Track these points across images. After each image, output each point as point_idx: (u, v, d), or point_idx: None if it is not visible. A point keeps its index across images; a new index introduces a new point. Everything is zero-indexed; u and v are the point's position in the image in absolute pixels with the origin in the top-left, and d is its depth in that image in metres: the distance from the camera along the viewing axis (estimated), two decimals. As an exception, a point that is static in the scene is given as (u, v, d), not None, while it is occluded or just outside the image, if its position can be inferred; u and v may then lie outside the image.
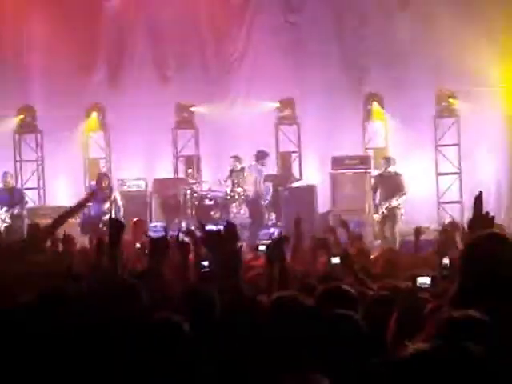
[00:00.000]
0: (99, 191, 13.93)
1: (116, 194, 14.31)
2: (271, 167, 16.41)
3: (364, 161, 15.52)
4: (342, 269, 5.95)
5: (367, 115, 16.46)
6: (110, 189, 14.20)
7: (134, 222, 11.24)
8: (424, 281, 4.76)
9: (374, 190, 14.64)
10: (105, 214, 13.85)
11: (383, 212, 14.13)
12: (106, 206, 13.96)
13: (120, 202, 14.27)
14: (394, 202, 14.09)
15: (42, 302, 4.12)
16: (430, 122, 16.23)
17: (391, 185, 14.21)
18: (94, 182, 15.15)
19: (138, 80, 16.85)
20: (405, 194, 14.20)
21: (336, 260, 6.05)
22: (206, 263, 5.40)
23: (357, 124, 16.47)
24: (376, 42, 16.33)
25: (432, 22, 15.85)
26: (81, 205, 8.13)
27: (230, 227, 5.36)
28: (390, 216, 14.10)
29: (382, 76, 16.18)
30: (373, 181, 14.89)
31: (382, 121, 16.50)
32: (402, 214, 14.21)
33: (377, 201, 14.45)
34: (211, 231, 5.59)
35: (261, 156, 15.33)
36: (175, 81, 16.85)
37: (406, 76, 16.05)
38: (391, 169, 14.43)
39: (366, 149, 16.41)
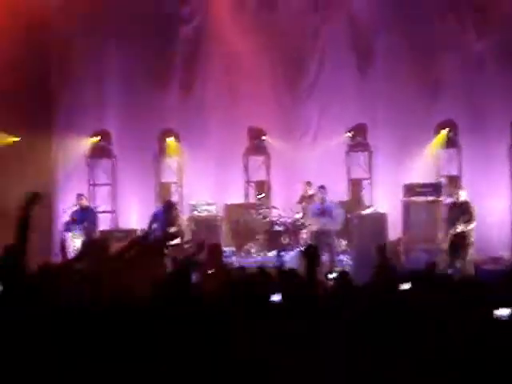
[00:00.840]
0: (165, 216, 14.08)
1: (182, 221, 14.40)
2: (342, 194, 16.34)
3: (436, 188, 15.32)
4: None
5: (438, 142, 16.28)
6: (176, 216, 14.27)
7: (208, 246, 11.27)
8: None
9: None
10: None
11: (450, 239, 13.77)
12: (172, 230, 14.04)
13: (185, 227, 14.30)
14: (459, 229, 13.71)
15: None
16: (504, 149, 15.96)
17: (458, 213, 13.88)
18: (160, 207, 15.28)
19: (210, 105, 17.00)
20: (470, 221, 13.82)
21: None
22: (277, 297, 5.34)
23: (429, 151, 16.31)
24: (449, 71, 16.15)
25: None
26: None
27: (312, 249, 5.39)
28: (459, 244, 13.75)
29: (457, 103, 15.97)
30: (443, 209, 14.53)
31: (453, 148, 16.28)
32: (471, 243, 13.87)
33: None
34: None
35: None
36: (248, 107, 16.92)
37: (481, 104, 15.83)
38: (460, 197, 14.08)
39: (439, 176, 16.20)
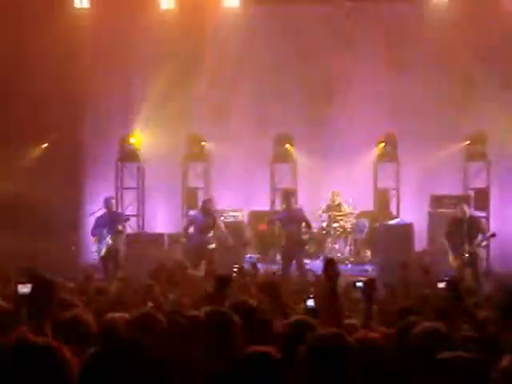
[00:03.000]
0: (202, 218, 14.07)
1: (220, 223, 14.32)
2: (368, 204, 16.32)
3: (463, 200, 15.23)
4: None
5: (468, 154, 16.22)
6: (214, 218, 14.27)
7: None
8: None
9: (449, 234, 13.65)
10: (210, 243, 13.97)
11: (466, 257, 13.49)
12: (210, 234, 14.04)
13: (224, 231, 14.23)
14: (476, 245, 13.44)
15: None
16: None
17: (470, 228, 13.61)
18: (193, 211, 15.34)
19: (239, 111, 17.04)
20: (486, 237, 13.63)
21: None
22: (311, 302, 5.40)
23: (457, 163, 16.25)
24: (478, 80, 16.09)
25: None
26: None
27: (331, 262, 5.39)
28: (473, 261, 13.50)
29: (485, 114, 15.89)
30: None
31: (483, 161, 16.20)
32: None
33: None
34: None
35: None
36: (276, 114, 16.93)
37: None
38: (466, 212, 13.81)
39: (467, 189, 16.14)
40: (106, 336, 4.59)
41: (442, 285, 5.64)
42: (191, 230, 14.19)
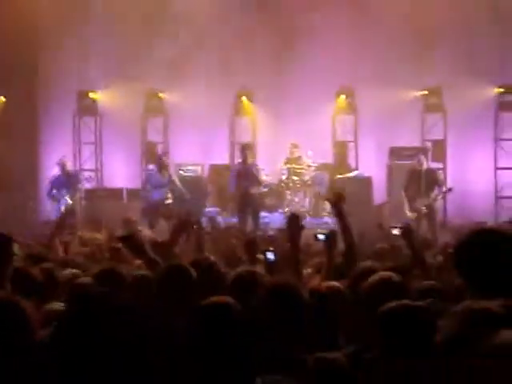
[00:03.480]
0: (157, 175, 14.06)
1: (175, 178, 14.32)
2: (327, 156, 16.37)
3: (422, 152, 15.34)
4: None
5: (425, 107, 16.33)
6: (169, 173, 14.24)
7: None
8: None
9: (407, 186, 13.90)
10: (166, 198, 13.95)
11: (423, 209, 13.63)
12: (166, 189, 14.03)
13: (180, 186, 14.22)
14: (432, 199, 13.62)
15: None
16: (491, 115, 16.05)
17: (427, 181, 13.82)
18: (152, 166, 15.30)
19: (199, 66, 16.90)
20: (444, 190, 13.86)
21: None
22: (271, 255, 5.42)
23: (416, 115, 16.35)
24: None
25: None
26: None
27: (295, 218, 5.39)
28: (430, 213, 13.69)
29: (444, 68, 15.98)
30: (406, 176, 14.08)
31: (440, 113, 16.32)
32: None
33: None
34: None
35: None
36: (237, 68, 16.81)
37: (468, 70, 15.84)
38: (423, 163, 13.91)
39: (425, 140, 16.27)
40: (74, 293, 4.58)
41: (395, 231, 5.62)
42: (148, 187, 14.18)
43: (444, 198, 14.69)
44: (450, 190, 13.90)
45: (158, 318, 3.98)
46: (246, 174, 14.07)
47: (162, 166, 14.18)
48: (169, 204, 13.94)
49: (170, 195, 14.00)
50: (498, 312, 2.90)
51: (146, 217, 13.65)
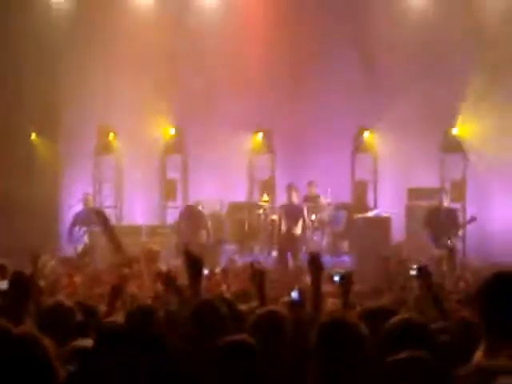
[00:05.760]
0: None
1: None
2: (346, 195, 16.38)
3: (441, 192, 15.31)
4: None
5: (445, 147, 16.29)
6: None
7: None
8: None
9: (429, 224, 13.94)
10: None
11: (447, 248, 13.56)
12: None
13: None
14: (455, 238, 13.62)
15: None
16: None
17: (447, 220, 13.76)
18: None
19: (216, 103, 16.98)
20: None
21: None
22: (296, 294, 5.42)
23: (434, 156, 16.32)
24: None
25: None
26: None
27: (316, 258, 5.40)
28: (451, 253, 13.60)
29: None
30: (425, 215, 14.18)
31: (459, 152, 16.29)
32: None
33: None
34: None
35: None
36: (256, 106, 16.86)
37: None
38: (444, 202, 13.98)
39: (444, 181, 16.22)
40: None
41: (413, 272, 5.58)
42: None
43: (464, 234, 14.66)
44: (474, 219, 13.88)
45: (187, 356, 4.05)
46: (290, 213, 14.43)
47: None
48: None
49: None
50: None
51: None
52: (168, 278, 5.51)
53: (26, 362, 3.09)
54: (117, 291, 5.65)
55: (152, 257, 11.09)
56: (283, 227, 14.78)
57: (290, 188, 14.92)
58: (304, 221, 14.76)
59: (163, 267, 9.33)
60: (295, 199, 14.89)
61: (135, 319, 4.72)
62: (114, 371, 2.75)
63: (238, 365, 3.59)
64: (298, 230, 14.65)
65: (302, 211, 14.78)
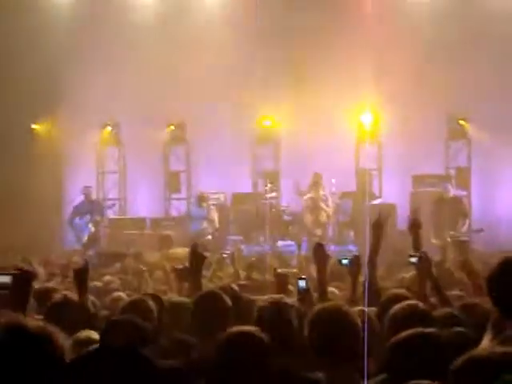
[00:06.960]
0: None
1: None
2: (350, 185, 16.29)
3: (445, 180, 15.25)
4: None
5: (451, 134, 16.21)
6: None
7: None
8: None
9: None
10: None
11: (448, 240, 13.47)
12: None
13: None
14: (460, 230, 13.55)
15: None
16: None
17: (453, 209, 13.72)
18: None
19: (217, 94, 16.89)
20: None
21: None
22: (303, 283, 5.38)
23: (440, 142, 16.23)
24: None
25: None
26: None
27: (320, 248, 5.46)
28: (456, 246, 13.46)
29: (468, 94, 15.82)
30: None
31: (465, 139, 16.21)
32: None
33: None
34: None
35: None
36: (257, 95, 16.76)
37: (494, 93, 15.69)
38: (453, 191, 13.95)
39: (448, 168, 16.15)
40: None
41: (413, 260, 5.57)
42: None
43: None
44: (481, 230, 13.82)
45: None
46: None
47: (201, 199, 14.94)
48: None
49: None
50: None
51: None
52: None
53: (41, 357, 3.04)
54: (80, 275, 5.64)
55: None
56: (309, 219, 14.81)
57: (317, 177, 14.94)
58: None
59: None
60: (321, 191, 14.90)
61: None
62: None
63: (246, 355, 3.55)
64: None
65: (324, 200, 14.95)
